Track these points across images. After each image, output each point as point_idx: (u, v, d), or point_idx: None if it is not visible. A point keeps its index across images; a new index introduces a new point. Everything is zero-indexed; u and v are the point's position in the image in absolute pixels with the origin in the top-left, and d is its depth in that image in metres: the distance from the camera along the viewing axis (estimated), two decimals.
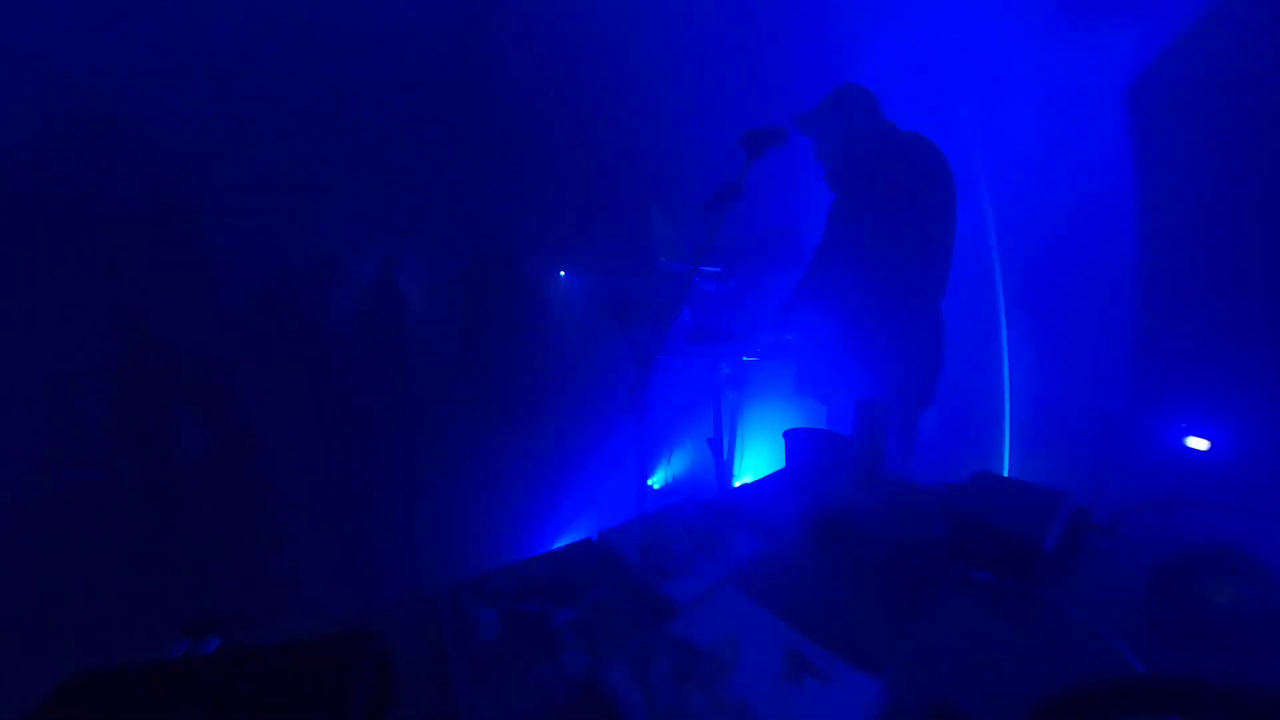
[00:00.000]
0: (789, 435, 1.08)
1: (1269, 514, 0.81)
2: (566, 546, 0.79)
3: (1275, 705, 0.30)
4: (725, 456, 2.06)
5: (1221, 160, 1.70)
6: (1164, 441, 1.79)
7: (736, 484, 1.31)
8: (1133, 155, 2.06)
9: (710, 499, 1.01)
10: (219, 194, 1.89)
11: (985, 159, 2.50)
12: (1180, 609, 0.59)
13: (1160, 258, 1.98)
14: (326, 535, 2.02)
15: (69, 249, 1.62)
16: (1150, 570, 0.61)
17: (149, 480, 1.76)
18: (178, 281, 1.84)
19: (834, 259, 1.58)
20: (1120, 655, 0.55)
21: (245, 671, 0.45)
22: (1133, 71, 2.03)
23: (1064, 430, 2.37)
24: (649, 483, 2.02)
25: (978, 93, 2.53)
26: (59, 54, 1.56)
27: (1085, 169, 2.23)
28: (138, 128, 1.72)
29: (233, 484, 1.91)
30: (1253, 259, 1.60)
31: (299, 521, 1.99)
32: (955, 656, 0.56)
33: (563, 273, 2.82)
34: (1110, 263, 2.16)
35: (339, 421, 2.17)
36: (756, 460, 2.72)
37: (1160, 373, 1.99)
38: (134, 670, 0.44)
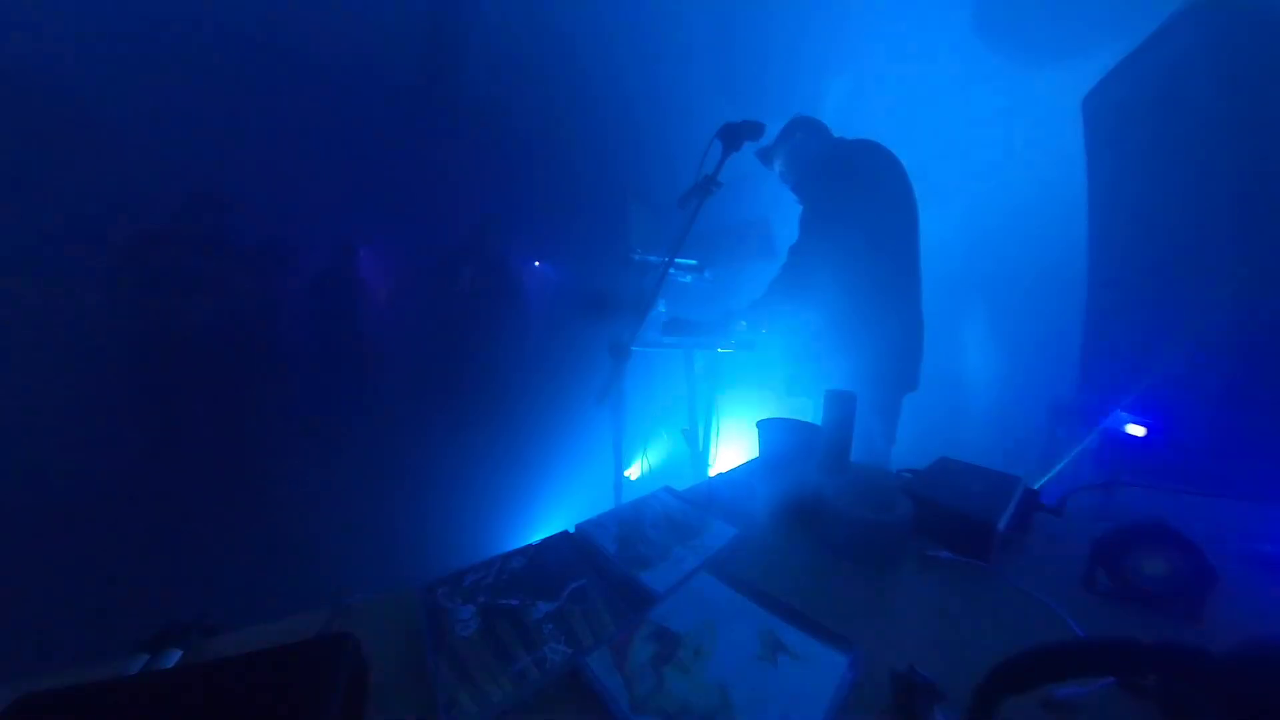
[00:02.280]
0: (762, 425, 1.10)
1: (1194, 493, 0.89)
2: (544, 539, 0.78)
3: (1195, 658, 0.34)
4: (700, 447, 2.09)
5: (1158, 171, 1.82)
6: (1104, 428, 1.92)
7: (712, 473, 1.33)
8: (1084, 165, 2.18)
9: (686, 489, 1.03)
10: (188, 188, 1.78)
11: (949, 166, 2.60)
12: (1117, 579, 0.64)
13: (1104, 261, 2.12)
14: (294, 537, 1.94)
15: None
16: (1091, 545, 0.66)
17: (100, 485, 1.65)
18: (140, 282, 1.73)
19: (804, 258, 1.65)
20: (1064, 622, 0.59)
21: (210, 685, 0.42)
22: (1083, 89, 2.14)
23: (1017, 419, 2.52)
24: (625, 474, 2.03)
25: (943, 104, 2.63)
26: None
27: (1039, 178, 2.36)
28: (108, 124, 1.60)
29: (190, 486, 1.81)
30: (1184, 263, 1.73)
31: (264, 523, 1.91)
32: (918, 629, 0.59)
33: (537, 263, 2.78)
34: (1060, 265, 2.30)
35: (306, 418, 2.09)
36: (731, 450, 2.77)
37: (1103, 366, 2.14)
38: (87, 690, 0.41)
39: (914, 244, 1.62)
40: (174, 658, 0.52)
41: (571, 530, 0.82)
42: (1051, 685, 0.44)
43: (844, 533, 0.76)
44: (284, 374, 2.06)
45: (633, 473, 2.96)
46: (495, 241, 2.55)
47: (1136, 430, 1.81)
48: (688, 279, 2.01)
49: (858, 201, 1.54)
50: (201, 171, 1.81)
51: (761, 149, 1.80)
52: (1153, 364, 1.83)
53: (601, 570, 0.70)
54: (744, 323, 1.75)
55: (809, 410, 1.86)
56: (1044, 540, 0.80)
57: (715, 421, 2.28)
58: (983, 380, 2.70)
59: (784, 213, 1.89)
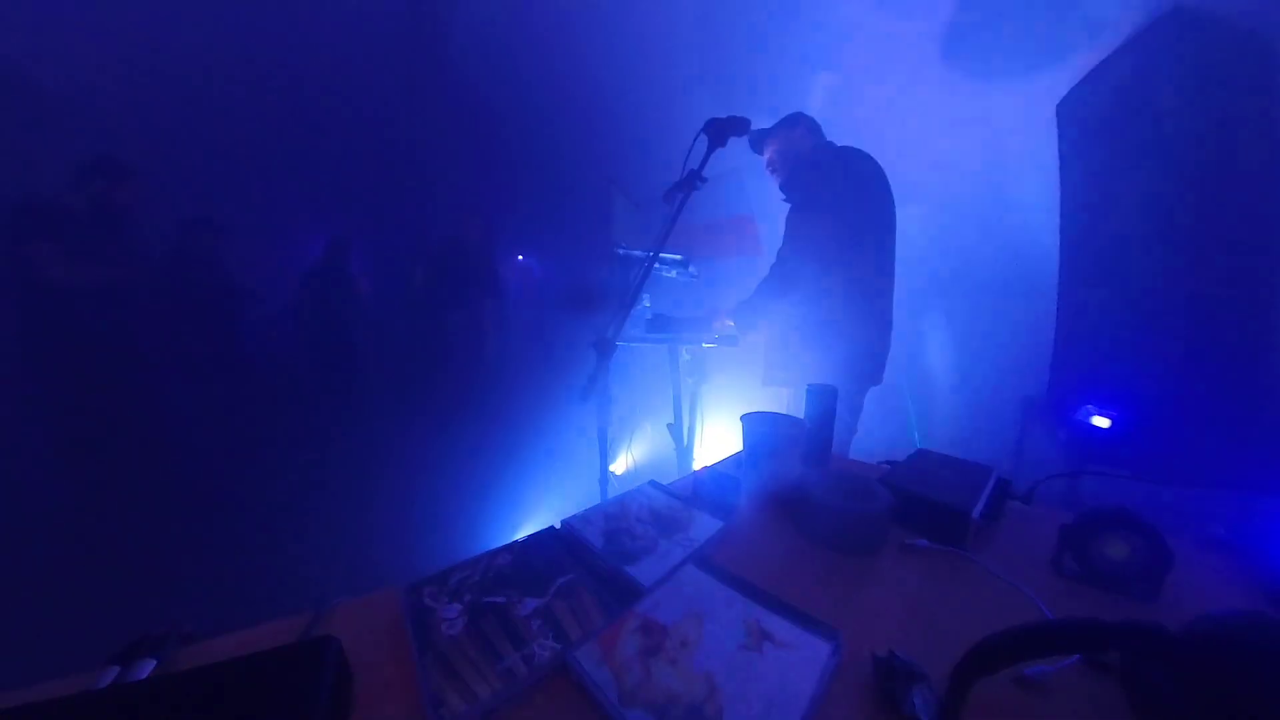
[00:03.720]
0: (746, 419, 1.11)
1: (1154, 481, 0.93)
2: (530, 536, 0.78)
3: (1153, 636, 0.36)
4: (685, 441, 2.11)
5: (1125, 176, 1.89)
6: (1073, 420, 2.00)
7: (696, 467, 1.34)
8: (1058, 169, 2.25)
9: (671, 483, 1.03)
10: (164, 185, 1.70)
11: (925, 170, 2.66)
12: (1082, 563, 0.67)
13: (1074, 262, 2.20)
14: (272, 540, 1.89)
15: None
16: (1059, 531, 0.69)
17: (59, 491, 1.58)
18: (110, 280, 1.64)
19: (792, 258, 1.71)
20: (1034, 604, 0.62)
21: (187, 694, 0.40)
22: (1056, 96, 2.21)
23: (990, 412, 2.61)
24: (610, 469, 2.03)
25: (922, 106, 2.68)
26: None
27: (1012, 181, 2.43)
28: (78, 113, 1.51)
29: (159, 490, 1.74)
30: (1146, 265, 1.81)
31: (240, 527, 1.85)
32: (897, 614, 0.61)
33: (520, 257, 2.75)
34: (1032, 265, 2.37)
35: (282, 417, 2.03)
36: (715, 444, 2.80)
37: (1071, 361, 2.22)
38: (52, 707, 0.39)
39: (892, 247, 1.70)
40: (147, 668, 0.49)
41: (558, 526, 0.82)
42: (1022, 664, 0.46)
43: (826, 523, 0.77)
44: (258, 372, 2.00)
45: (618, 468, 2.96)
46: (477, 236, 2.51)
47: (1101, 422, 1.90)
48: (672, 274, 2.02)
49: (848, 208, 1.60)
50: (174, 170, 1.73)
51: (757, 132, 1.81)
52: (1118, 360, 1.91)
53: (588, 565, 0.70)
54: (731, 322, 1.77)
55: (785, 400, 1.90)
56: (1015, 527, 0.83)
57: (699, 416, 2.30)
58: (959, 376, 2.79)
59: (769, 209, 1.91)
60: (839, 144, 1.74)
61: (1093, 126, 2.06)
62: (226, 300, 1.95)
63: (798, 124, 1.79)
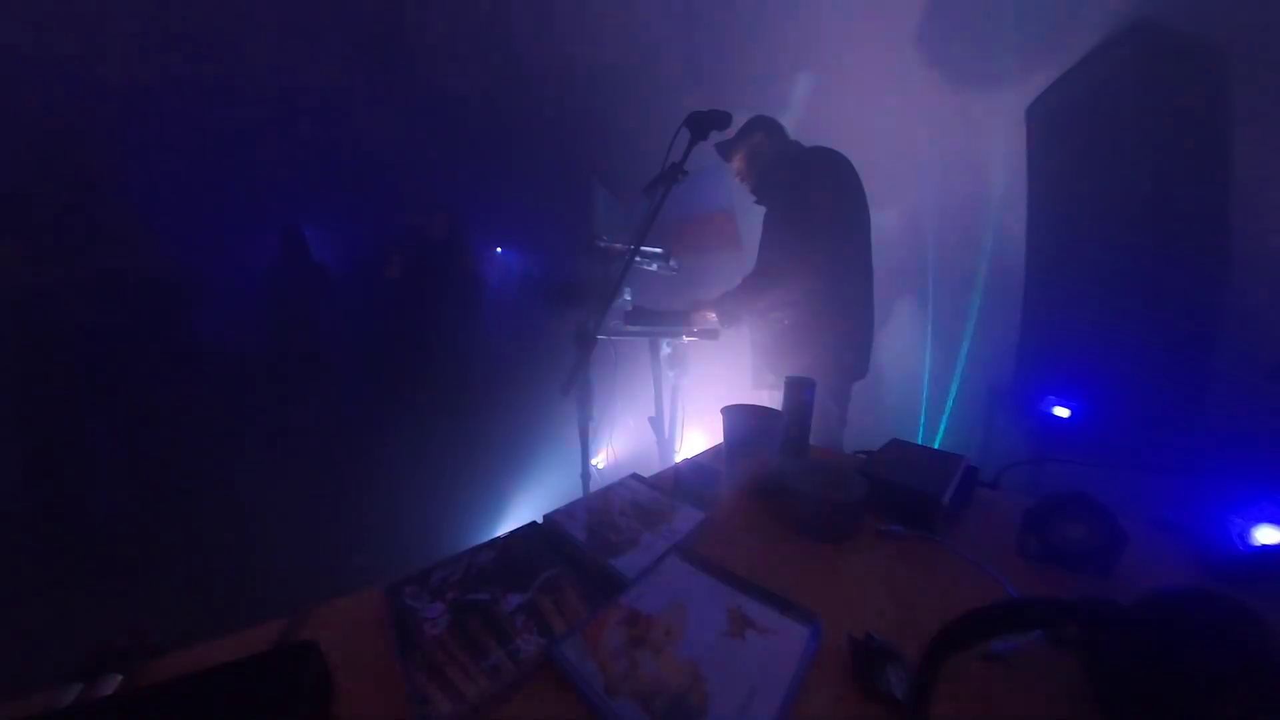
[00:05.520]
0: (726, 411, 1.13)
1: (1109, 466, 0.99)
2: (512, 532, 0.78)
3: (1108, 610, 0.38)
4: (666, 434, 2.12)
5: (1088, 178, 1.97)
6: (1036, 410, 2.10)
7: (678, 459, 1.35)
8: (1026, 169, 2.34)
9: (653, 475, 1.04)
10: (129, 180, 1.60)
11: (899, 168, 2.72)
12: (1044, 544, 0.70)
13: (1036, 259, 2.29)
14: (243, 544, 1.82)
15: None
16: (1023, 515, 0.72)
17: (29, 495, 1.47)
18: (69, 277, 1.54)
19: (772, 259, 1.74)
20: (1000, 584, 0.65)
21: (156, 709, 0.38)
22: (1024, 98, 2.29)
23: (960, 403, 2.71)
24: (593, 463, 2.03)
25: (889, 109, 2.73)
26: None
27: (982, 179, 2.51)
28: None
29: (125, 493, 1.65)
30: (1105, 264, 1.90)
31: (208, 532, 1.77)
32: (873, 597, 0.63)
33: (499, 249, 2.70)
34: (1001, 261, 2.47)
35: (251, 416, 1.95)
36: (696, 436, 2.83)
37: (1034, 354, 2.33)
38: None
39: (869, 245, 1.73)
40: (113, 684, 0.46)
41: (540, 521, 0.82)
42: (989, 641, 0.49)
43: (804, 512, 0.79)
44: (226, 369, 1.92)
45: (600, 461, 2.96)
46: (456, 229, 2.45)
47: (1062, 412, 1.99)
48: (653, 267, 2.01)
49: (822, 208, 1.62)
50: (140, 164, 1.63)
51: (720, 143, 1.83)
52: (1077, 355, 2.01)
53: (572, 559, 0.70)
54: (712, 314, 1.78)
55: (774, 400, 1.93)
56: (983, 512, 0.86)
57: (680, 408, 2.32)
58: (931, 369, 2.89)
59: (749, 204, 1.92)
60: (808, 144, 1.75)
61: (1059, 130, 2.14)
62: (193, 299, 1.86)
63: (756, 130, 1.79)
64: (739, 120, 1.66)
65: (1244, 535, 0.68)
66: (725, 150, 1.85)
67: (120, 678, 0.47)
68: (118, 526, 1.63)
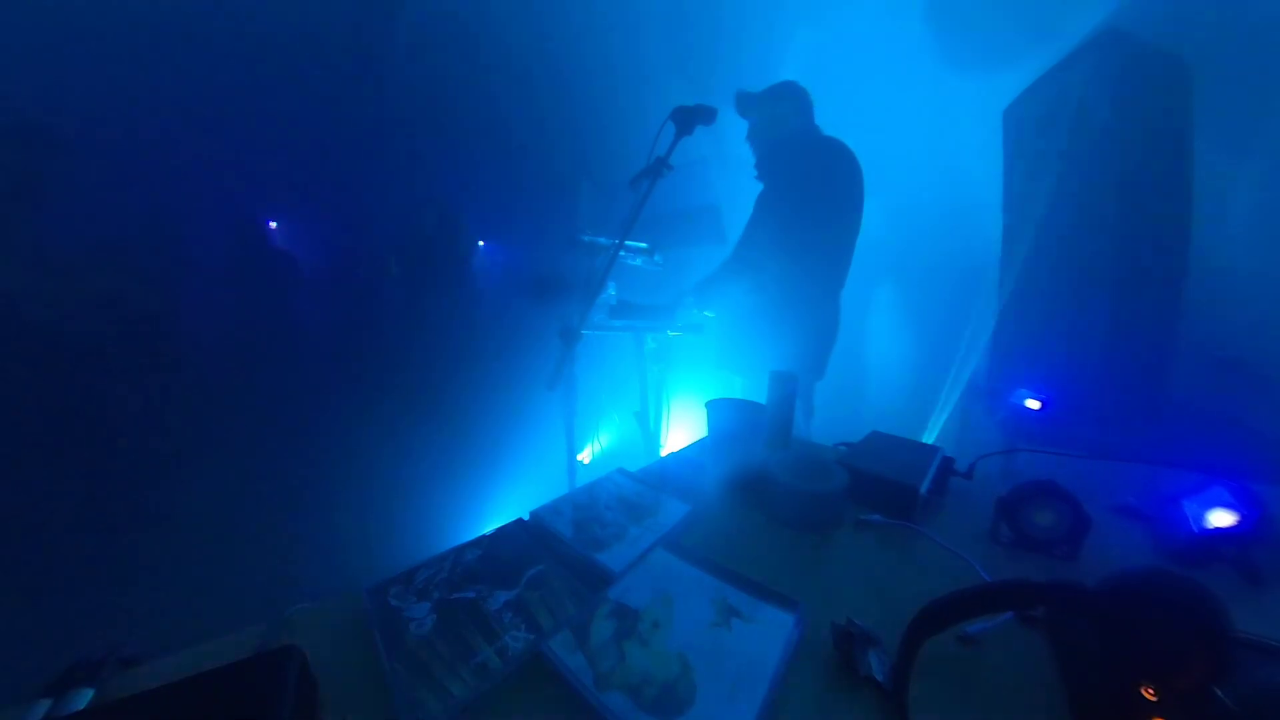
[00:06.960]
0: (711, 405, 1.14)
1: (1077, 456, 1.03)
2: (498, 529, 0.77)
3: (1073, 592, 0.40)
4: (652, 428, 2.13)
5: (1060, 180, 2.04)
6: (1009, 403, 2.17)
7: (663, 454, 1.36)
8: (1001, 169, 2.40)
9: (639, 469, 1.05)
10: (102, 170, 1.52)
11: (879, 164, 2.77)
12: (1015, 530, 0.73)
13: (1013, 258, 2.36)
14: (221, 545, 1.75)
15: None
16: (995, 503, 0.75)
17: None
18: (30, 276, 1.45)
19: (755, 244, 1.69)
20: (974, 569, 0.67)
21: None
22: (1002, 100, 2.35)
23: (938, 396, 2.79)
24: (578, 458, 2.03)
25: (871, 106, 2.77)
26: None
27: (960, 178, 2.57)
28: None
29: (96, 496, 1.57)
30: (1075, 263, 1.97)
31: (180, 536, 1.71)
32: (854, 584, 0.65)
33: (482, 243, 2.66)
34: (977, 258, 2.54)
35: (227, 414, 1.88)
36: (681, 430, 2.84)
37: (1008, 348, 2.41)
38: None
39: (852, 247, 1.71)
40: (84, 699, 0.44)
41: (526, 517, 0.82)
42: (964, 624, 0.51)
43: (787, 503, 0.81)
44: (199, 366, 1.85)
45: (585, 456, 2.96)
46: (438, 223, 2.41)
47: (1034, 404, 2.07)
48: (638, 261, 2.01)
49: (821, 201, 1.58)
50: (114, 155, 1.55)
51: (744, 96, 1.72)
52: (1048, 349, 2.08)
53: (559, 555, 0.70)
54: (691, 299, 1.79)
55: (738, 387, 1.95)
56: (958, 501, 0.90)
57: (666, 403, 2.33)
58: (909, 363, 2.97)
59: (735, 199, 1.93)
60: (828, 135, 1.68)
61: (1033, 130, 2.21)
62: (164, 295, 1.78)
63: (784, 98, 1.68)
64: (724, 115, 1.66)
65: (1198, 519, 0.72)
66: (745, 106, 1.74)
67: (91, 692, 0.45)
68: (85, 532, 1.56)
